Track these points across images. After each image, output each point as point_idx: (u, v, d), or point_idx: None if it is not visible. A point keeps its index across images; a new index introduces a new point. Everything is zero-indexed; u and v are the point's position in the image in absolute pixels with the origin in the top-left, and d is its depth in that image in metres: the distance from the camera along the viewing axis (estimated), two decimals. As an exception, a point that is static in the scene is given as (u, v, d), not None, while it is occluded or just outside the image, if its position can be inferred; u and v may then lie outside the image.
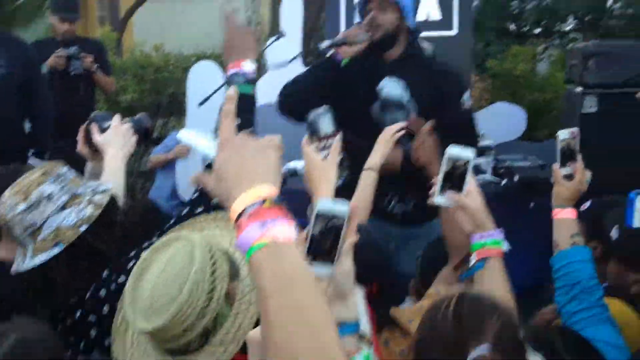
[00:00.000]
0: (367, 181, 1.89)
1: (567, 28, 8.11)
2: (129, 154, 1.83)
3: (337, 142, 1.48)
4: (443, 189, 1.37)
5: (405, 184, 2.36)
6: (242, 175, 0.86)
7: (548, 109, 5.52)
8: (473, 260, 1.38)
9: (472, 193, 1.39)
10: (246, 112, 1.48)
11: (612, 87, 3.47)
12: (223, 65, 1.61)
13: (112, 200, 1.51)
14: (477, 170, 3.69)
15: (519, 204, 3.45)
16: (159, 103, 5.33)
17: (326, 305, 0.80)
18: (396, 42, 2.42)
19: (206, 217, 1.44)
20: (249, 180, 0.85)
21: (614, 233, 1.72)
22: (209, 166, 1.31)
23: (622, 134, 3.26)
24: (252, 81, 1.54)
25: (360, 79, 2.42)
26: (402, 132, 2.09)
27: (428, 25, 4.55)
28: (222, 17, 1.57)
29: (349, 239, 1.02)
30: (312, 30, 6.41)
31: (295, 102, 2.40)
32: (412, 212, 2.49)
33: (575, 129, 1.64)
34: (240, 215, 0.82)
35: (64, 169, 1.48)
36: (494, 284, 1.34)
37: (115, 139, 1.80)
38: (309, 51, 5.31)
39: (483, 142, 3.79)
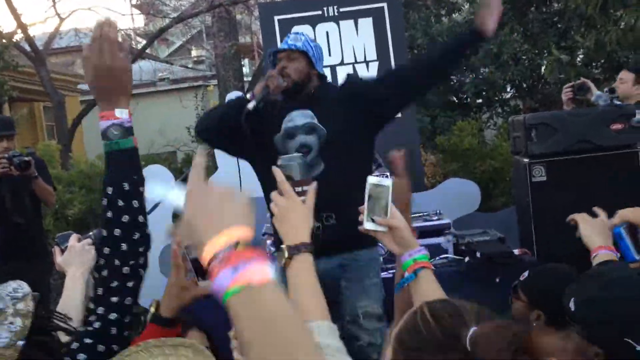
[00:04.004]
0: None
1: (507, 96, 8.44)
2: (90, 268, 1.85)
3: (312, 189, 1.43)
4: (369, 215, 1.48)
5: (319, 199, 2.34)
6: (212, 221, 0.86)
7: (500, 177, 5.60)
8: (406, 274, 1.44)
9: (395, 215, 1.49)
10: (130, 169, 1.35)
11: (557, 156, 3.52)
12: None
13: (38, 303, 1.40)
14: (439, 250, 3.64)
15: (484, 280, 3.40)
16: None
17: (312, 340, 0.81)
18: (307, 86, 2.58)
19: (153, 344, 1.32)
20: (219, 224, 0.85)
21: (572, 305, 1.66)
22: (175, 216, 1.22)
23: (571, 200, 3.28)
24: (130, 131, 1.35)
25: (272, 117, 2.53)
26: None
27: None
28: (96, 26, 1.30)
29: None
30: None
31: (211, 124, 2.61)
32: (336, 232, 2.41)
33: None
34: (212, 261, 0.82)
35: None
36: (429, 291, 1.39)
37: (72, 259, 1.86)
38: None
39: (440, 221, 3.78)
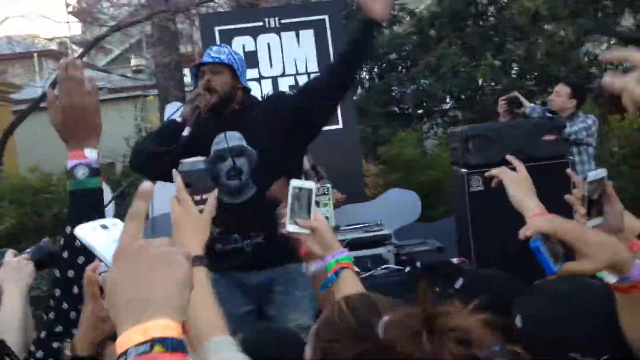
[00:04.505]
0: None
1: (446, 107, 8.63)
2: (28, 284, 1.80)
3: (213, 197, 1.35)
4: (292, 218, 1.49)
5: (249, 222, 2.48)
6: (134, 300, 0.69)
7: (440, 188, 5.70)
8: (329, 274, 1.45)
9: (318, 217, 1.50)
10: (95, 210, 1.31)
11: (494, 166, 3.60)
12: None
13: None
14: (380, 260, 3.66)
15: (424, 290, 3.45)
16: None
17: None
18: (233, 100, 2.55)
19: None
20: (140, 308, 0.68)
21: (518, 321, 1.69)
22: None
23: (508, 209, 3.38)
24: (97, 172, 1.35)
25: (201, 138, 2.45)
26: None
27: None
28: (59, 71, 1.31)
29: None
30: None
31: (144, 160, 2.55)
32: (264, 248, 2.52)
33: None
34: (120, 357, 0.66)
35: None
36: (350, 289, 1.40)
37: (9, 275, 1.79)
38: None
39: (382, 231, 3.80)
